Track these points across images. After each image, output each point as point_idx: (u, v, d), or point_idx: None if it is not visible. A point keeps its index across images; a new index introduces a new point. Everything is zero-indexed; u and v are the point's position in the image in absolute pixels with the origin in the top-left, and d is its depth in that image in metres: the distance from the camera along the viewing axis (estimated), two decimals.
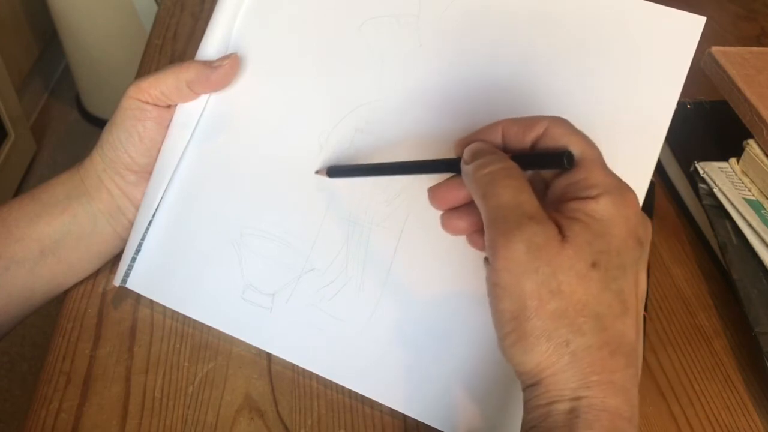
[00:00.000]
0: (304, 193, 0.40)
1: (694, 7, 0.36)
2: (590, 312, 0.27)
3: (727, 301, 0.47)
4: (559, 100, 0.37)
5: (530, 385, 0.29)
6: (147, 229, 0.41)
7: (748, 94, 0.49)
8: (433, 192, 0.34)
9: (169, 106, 0.41)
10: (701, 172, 0.49)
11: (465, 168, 0.31)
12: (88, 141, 1.67)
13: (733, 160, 0.50)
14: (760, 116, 0.47)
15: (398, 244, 0.39)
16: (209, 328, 0.41)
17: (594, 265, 0.27)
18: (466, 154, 0.31)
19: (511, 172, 0.29)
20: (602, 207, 0.28)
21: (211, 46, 0.41)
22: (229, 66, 0.40)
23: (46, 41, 1.82)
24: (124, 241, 0.42)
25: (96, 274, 0.44)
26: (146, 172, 0.41)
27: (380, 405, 0.39)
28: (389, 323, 0.39)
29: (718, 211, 0.48)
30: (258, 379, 0.40)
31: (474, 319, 0.37)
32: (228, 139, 0.42)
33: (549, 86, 0.37)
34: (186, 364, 0.40)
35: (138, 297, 0.43)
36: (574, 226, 0.28)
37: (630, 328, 0.28)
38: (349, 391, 0.39)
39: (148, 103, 0.40)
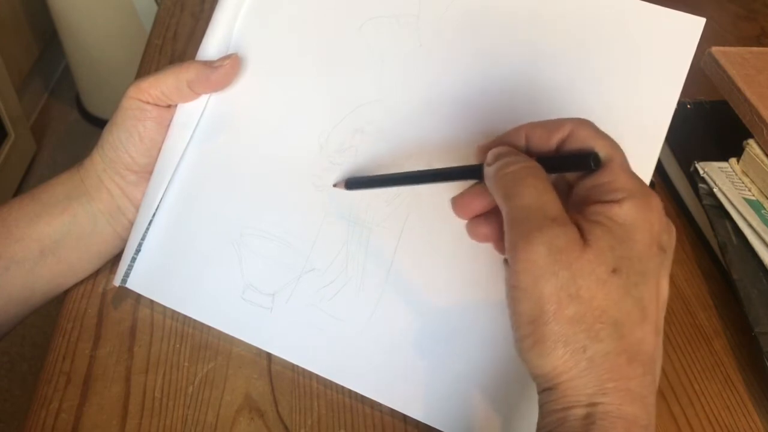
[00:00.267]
0: (304, 193, 0.40)
1: (694, 8, 0.37)
2: (609, 318, 0.27)
3: (727, 301, 0.47)
4: (559, 100, 0.37)
5: (546, 389, 0.28)
6: (147, 229, 0.41)
7: (748, 94, 0.49)
8: (456, 201, 0.33)
9: (169, 106, 0.41)
10: (701, 172, 0.49)
11: (487, 170, 0.31)
12: (88, 141, 1.67)
13: (733, 160, 0.50)
14: (760, 116, 0.47)
15: (398, 244, 0.39)
16: (209, 328, 0.41)
17: (615, 270, 0.27)
18: (490, 156, 0.31)
19: (534, 172, 0.29)
20: (626, 212, 0.28)
21: (211, 46, 0.41)
22: (229, 66, 0.40)
23: (46, 41, 1.82)
24: (124, 241, 0.42)
25: (96, 274, 0.44)
26: (146, 172, 0.41)
27: (380, 405, 0.39)
28: (389, 323, 0.39)
29: (718, 211, 0.48)
30: (258, 379, 0.40)
31: (474, 319, 0.38)
32: (228, 139, 0.42)
33: (549, 86, 0.37)
34: (186, 364, 0.40)
35: (138, 297, 0.43)
36: (596, 230, 0.27)
37: (649, 336, 0.28)
38: (349, 391, 0.39)
39: (148, 103, 0.40)
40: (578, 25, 0.37)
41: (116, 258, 0.43)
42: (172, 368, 0.40)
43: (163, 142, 0.41)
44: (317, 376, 0.39)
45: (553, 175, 0.31)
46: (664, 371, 0.42)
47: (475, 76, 0.38)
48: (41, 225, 0.39)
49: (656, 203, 0.29)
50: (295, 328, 0.40)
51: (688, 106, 0.56)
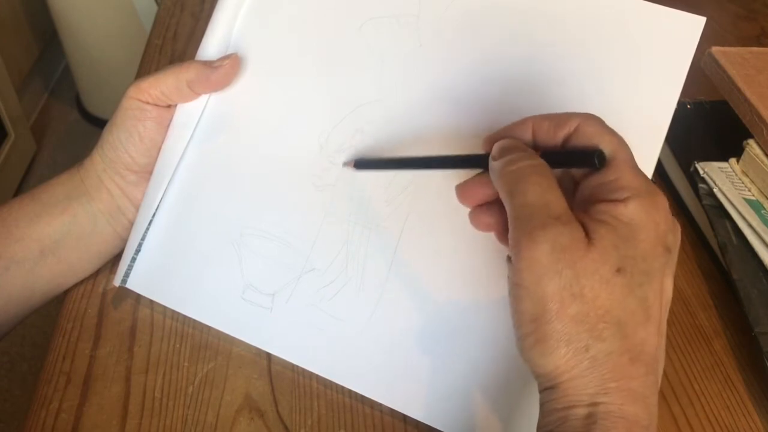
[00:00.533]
0: (304, 193, 0.40)
1: (694, 7, 0.36)
2: (612, 318, 0.27)
3: (727, 301, 0.47)
4: (559, 99, 0.37)
5: (547, 388, 0.28)
6: (147, 229, 0.41)
7: (748, 94, 0.49)
8: (461, 189, 0.33)
9: (169, 106, 0.41)
10: (701, 172, 0.49)
11: (493, 164, 0.30)
12: (88, 141, 1.67)
13: (733, 160, 0.50)
14: (760, 116, 0.47)
15: (398, 243, 0.39)
16: (209, 328, 0.41)
17: (619, 270, 0.27)
18: (495, 150, 0.31)
19: (539, 170, 0.29)
20: (631, 211, 0.27)
21: (211, 46, 0.41)
22: (229, 66, 0.40)
23: (46, 41, 1.82)
24: (124, 241, 0.42)
25: (96, 274, 0.44)
26: (146, 172, 0.41)
27: (380, 405, 0.39)
28: (389, 323, 0.39)
29: (718, 211, 0.48)
30: (258, 379, 0.40)
31: (474, 319, 0.37)
32: (228, 139, 0.42)
33: (549, 86, 0.37)
34: (186, 364, 0.40)
35: (138, 297, 0.43)
36: (601, 229, 0.27)
37: (652, 336, 0.28)
38: (349, 391, 0.39)
39: (148, 103, 0.40)
40: (578, 25, 0.37)
41: (116, 258, 0.43)
42: (172, 368, 0.40)
43: (163, 142, 0.41)
44: (317, 376, 0.39)
45: (559, 173, 0.31)
46: (664, 371, 0.42)
47: (474, 76, 0.38)
48: (41, 225, 0.39)
49: (662, 202, 0.28)
50: (295, 328, 0.40)
51: (688, 106, 0.56)
